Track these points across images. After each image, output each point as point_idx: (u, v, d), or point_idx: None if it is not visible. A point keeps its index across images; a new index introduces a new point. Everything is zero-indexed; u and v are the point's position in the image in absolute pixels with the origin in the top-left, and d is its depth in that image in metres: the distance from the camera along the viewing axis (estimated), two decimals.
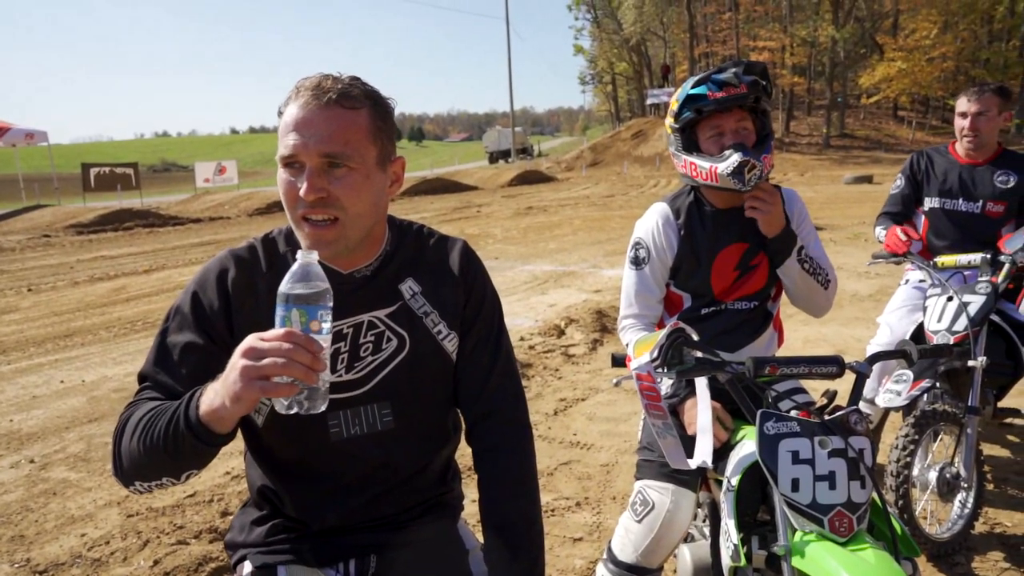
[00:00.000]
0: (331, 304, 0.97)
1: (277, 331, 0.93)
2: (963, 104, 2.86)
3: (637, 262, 1.94)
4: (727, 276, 1.90)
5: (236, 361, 0.93)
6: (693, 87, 1.79)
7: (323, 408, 0.97)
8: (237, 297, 1.18)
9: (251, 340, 0.94)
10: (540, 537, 1.29)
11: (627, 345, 1.78)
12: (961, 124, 2.88)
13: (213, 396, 0.97)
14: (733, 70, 1.75)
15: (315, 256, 0.98)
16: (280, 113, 1.13)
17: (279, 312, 0.95)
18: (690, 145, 1.87)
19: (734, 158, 1.74)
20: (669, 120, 1.90)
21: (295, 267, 0.96)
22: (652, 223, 1.93)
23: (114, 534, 2.83)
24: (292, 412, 0.96)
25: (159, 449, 1.02)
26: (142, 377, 1.19)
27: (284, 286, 0.95)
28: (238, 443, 1.24)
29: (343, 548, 1.29)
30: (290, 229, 1.23)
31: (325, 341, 0.96)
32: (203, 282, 1.20)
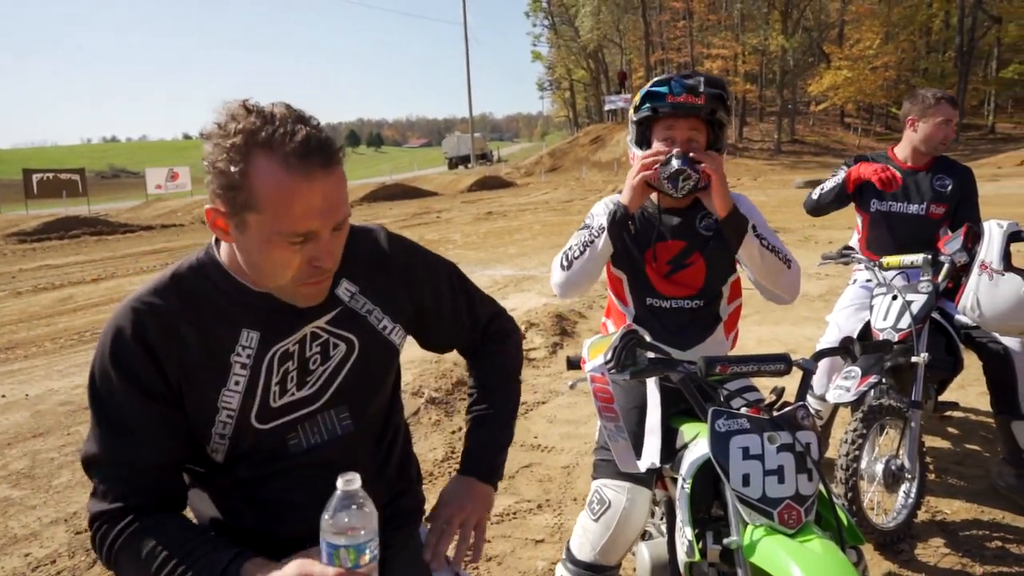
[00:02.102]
0: (377, 530, 0.95)
1: (328, 571, 0.93)
2: (947, 111, 2.92)
3: (581, 226, 2.01)
4: (661, 268, 1.98)
5: None
6: (655, 85, 1.85)
7: None
8: (162, 349, 1.09)
9: (303, 568, 0.96)
10: (516, 412, 1.49)
11: (560, 264, 1.98)
12: (945, 131, 2.94)
13: None
14: (701, 79, 1.81)
15: (358, 482, 0.93)
16: (232, 167, 0.99)
17: (325, 546, 0.93)
18: (642, 140, 1.95)
19: (673, 164, 1.80)
20: (631, 109, 1.97)
21: (338, 501, 0.92)
22: (606, 203, 2.02)
23: (61, 552, 2.74)
24: None
25: None
26: (95, 463, 1.10)
27: (330, 524, 0.92)
28: None
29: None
30: (199, 262, 1.16)
31: (372, 567, 0.95)
32: (117, 347, 1.09)
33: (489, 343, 1.50)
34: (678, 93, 1.79)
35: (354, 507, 0.91)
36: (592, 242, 1.94)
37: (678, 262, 1.97)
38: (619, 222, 1.91)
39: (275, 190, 0.99)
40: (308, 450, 1.22)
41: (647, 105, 1.87)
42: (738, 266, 2.02)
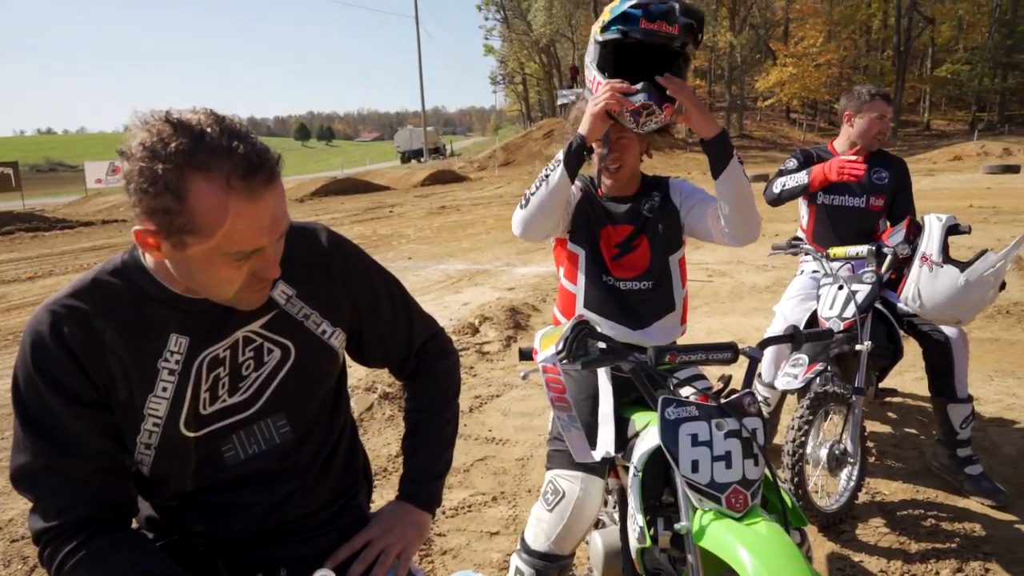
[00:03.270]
0: None
1: None
2: (882, 107, 3.01)
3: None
4: (610, 250, 2.03)
5: None
6: (632, 7, 1.71)
7: None
8: (84, 352, 1.04)
9: None
10: (454, 436, 1.45)
11: (515, 216, 1.96)
12: (880, 126, 3.03)
13: None
14: (676, 5, 1.70)
15: None
16: (164, 190, 0.92)
17: None
18: (605, 65, 1.84)
19: (639, 96, 1.73)
20: (596, 27, 1.83)
21: None
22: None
23: None
24: None
25: None
26: (26, 476, 1.05)
27: None
28: None
29: (250, 562, 1.24)
30: (124, 264, 1.11)
31: None
32: (38, 352, 1.03)
33: (426, 364, 1.44)
34: (652, 19, 1.67)
35: None
36: (547, 176, 1.87)
37: (626, 245, 2.03)
38: (575, 153, 1.83)
39: (219, 215, 0.94)
40: (246, 460, 1.18)
41: (616, 28, 1.72)
42: (685, 246, 2.08)
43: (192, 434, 1.13)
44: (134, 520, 1.21)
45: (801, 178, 3.02)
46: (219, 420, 1.15)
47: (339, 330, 1.27)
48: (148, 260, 1.11)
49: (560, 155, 1.85)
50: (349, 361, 1.38)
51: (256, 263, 1.03)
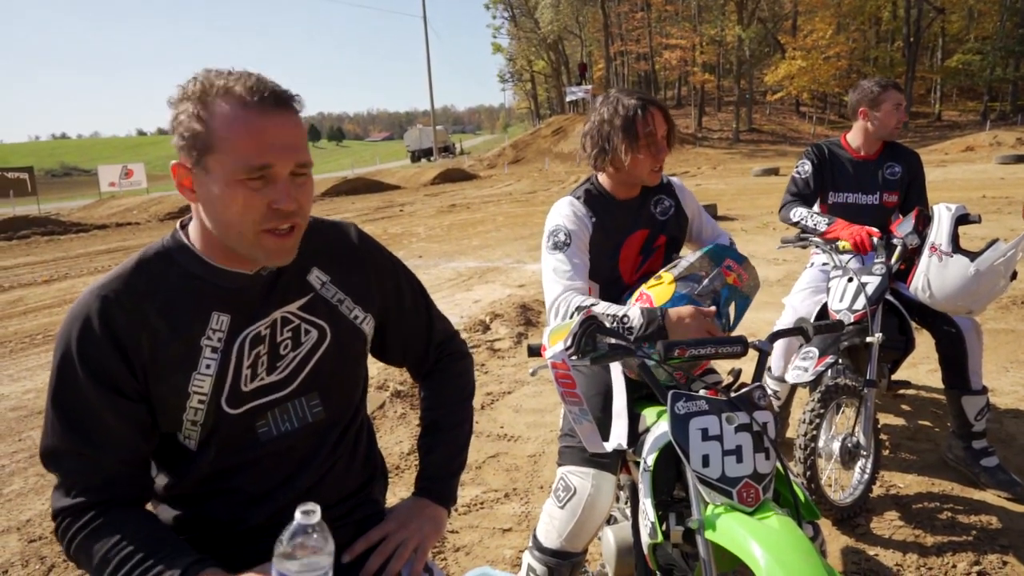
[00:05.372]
0: (331, 564, 0.91)
1: None
2: (896, 96, 2.98)
3: (558, 246, 1.92)
4: (632, 261, 2.01)
5: None
6: None
7: None
8: (129, 338, 1.08)
9: None
10: (470, 436, 1.47)
11: (569, 314, 1.80)
12: (898, 115, 2.99)
13: None
14: None
15: (318, 515, 0.89)
16: (194, 117, 1.04)
17: (276, 573, 0.89)
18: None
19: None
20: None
21: (295, 531, 0.88)
22: (565, 212, 1.98)
23: (14, 562, 2.65)
24: None
25: None
26: (55, 456, 1.09)
27: (284, 553, 0.88)
28: None
29: (267, 554, 1.25)
30: (165, 247, 1.16)
31: None
32: (83, 338, 1.07)
33: (443, 364, 1.49)
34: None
35: (312, 540, 0.89)
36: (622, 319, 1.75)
37: (647, 249, 2.02)
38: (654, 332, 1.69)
39: (232, 125, 1.03)
40: (279, 437, 1.21)
41: None
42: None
43: (232, 411, 1.17)
44: (158, 515, 1.24)
45: (820, 224, 2.93)
46: (258, 397, 1.19)
47: (369, 316, 1.32)
48: (191, 237, 1.16)
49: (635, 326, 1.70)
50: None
51: (271, 192, 1.05)
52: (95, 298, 1.09)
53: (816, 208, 3.19)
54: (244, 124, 1.03)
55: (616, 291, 2.00)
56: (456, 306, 6.59)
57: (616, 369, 1.76)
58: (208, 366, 1.13)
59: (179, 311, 1.12)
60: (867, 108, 3.03)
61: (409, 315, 1.41)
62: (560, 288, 1.87)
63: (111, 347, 1.07)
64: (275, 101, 1.05)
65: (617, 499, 1.97)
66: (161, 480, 1.24)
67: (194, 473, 1.21)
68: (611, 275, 2.01)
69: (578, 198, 2.01)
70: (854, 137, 3.14)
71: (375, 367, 4.48)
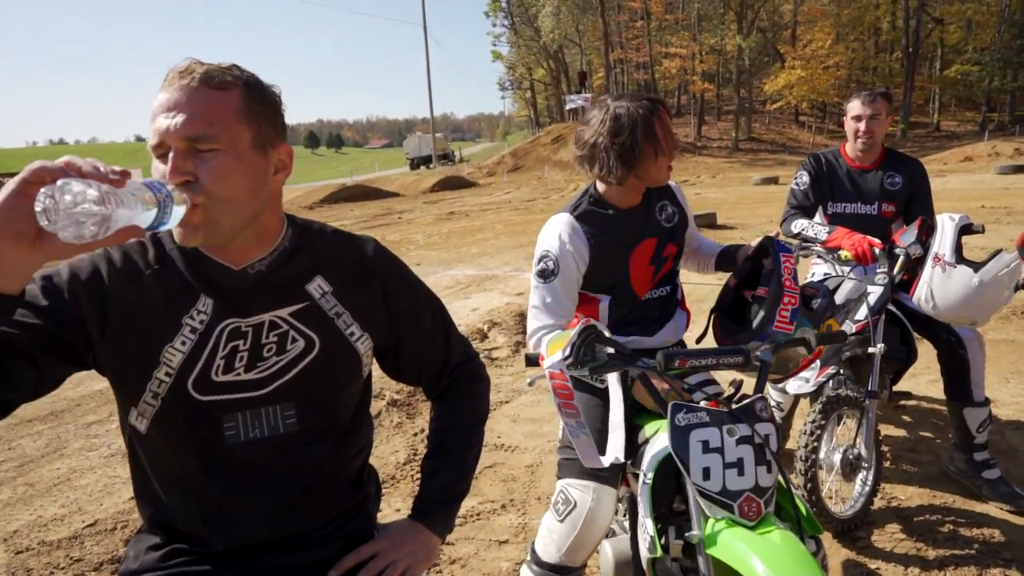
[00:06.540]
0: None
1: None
2: (856, 108, 2.97)
3: (544, 275, 1.88)
4: (644, 271, 1.95)
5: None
6: None
7: (90, 230, 0.80)
8: (115, 284, 1.12)
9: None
10: (476, 463, 1.44)
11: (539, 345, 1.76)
12: (856, 127, 2.98)
13: None
14: None
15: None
16: None
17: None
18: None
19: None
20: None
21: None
22: (557, 234, 1.87)
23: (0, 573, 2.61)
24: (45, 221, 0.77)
25: None
26: None
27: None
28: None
29: (251, 572, 1.22)
30: (170, 232, 1.15)
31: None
32: (82, 259, 1.13)
33: (458, 385, 1.45)
34: None
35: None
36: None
37: (658, 259, 1.97)
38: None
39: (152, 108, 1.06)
40: (247, 443, 1.17)
41: None
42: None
43: (199, 396, 1.14)
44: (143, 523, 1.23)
45: (820, 233, 2.90)
46: (229, 392, 1.16)
47: (367, 336, 1.27)
48: None
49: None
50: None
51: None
52: (102, 251, 1.14)
53: (818, 218, 3.17)
54: (154, 102, 1.06)
55: (625, 304, 1.96)
56: (454, 314, 6.52)
57: (613, 380, 1.73)
58: (184, 343, 1.13)
59: (172, 282, 1.15)
60: (845, 118, 3.06)
61: (427, 337, 1.38)
62: (537, 324, 1.88)
63: (94, 276, 1.11)
64: (186, 77, 1.05)
65: (617, 512, 1.93)
66: (137, 475, 1.23)
67: (155, 467, 1.19)
68: (624, 290, 1.94)
69: (576, 214, 1.91)
70: (850, 146, 3.13)
71: (372, 376, 4.45)
